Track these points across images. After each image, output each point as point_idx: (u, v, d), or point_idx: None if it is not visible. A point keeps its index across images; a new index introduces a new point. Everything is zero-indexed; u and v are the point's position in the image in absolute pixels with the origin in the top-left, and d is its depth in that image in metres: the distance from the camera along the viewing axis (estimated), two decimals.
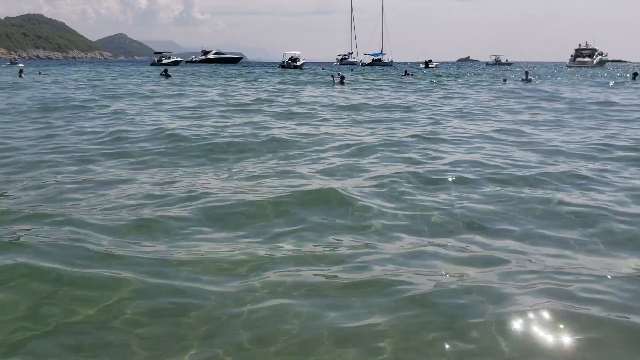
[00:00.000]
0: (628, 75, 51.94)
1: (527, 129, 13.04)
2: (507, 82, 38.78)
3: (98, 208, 5.93)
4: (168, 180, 7.50)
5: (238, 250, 4.70)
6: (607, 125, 13.88)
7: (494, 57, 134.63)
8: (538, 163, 8.70)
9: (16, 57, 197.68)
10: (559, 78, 48.80)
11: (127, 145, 10.41)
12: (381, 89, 30.34)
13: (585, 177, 7.63)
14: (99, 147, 10.17)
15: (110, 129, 12.25)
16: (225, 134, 11.73)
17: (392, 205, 6.15)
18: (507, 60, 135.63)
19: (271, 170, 8.09)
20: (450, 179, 7.40)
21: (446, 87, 33.72)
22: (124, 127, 12.69)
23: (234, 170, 8.28)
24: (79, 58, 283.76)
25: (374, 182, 7.18)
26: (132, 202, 6.20)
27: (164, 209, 5.87)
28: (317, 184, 7.10)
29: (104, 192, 6.67)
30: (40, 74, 48.52)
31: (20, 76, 41.30)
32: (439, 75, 55.69)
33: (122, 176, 7.67)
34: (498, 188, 6.97)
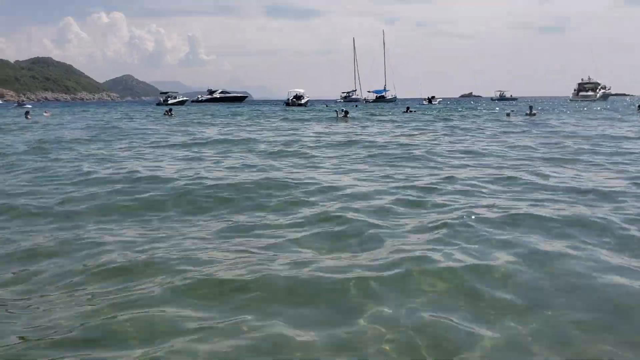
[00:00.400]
0: (633, 107, 51.84)
1: (546, 169, 11.54)
2: (510, 115, 38.71)
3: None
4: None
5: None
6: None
7: (499, 93, 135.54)
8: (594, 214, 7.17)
9: (24, 99, 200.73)
10: (568, 112, 48.74)
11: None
12: (383, 124, 30.22)
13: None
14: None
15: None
16: (207, 178, 10.46)
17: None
18: (511, 95, 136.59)
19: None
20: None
21: (451, 122, 33.50)
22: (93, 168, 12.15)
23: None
24: (87, 99, 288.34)
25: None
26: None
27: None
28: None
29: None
30: (45, 113, 50.17)
31: (27, 117, 41.65)
32: (440, 110, 55.80)
33: None
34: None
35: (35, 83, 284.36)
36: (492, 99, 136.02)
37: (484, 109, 60.93)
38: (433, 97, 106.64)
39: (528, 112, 38.63)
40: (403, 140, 20.07)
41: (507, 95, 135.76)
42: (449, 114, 46.75)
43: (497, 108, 61.91)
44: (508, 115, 39.14)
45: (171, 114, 45.29)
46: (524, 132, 23.84)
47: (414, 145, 17.72)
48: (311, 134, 23.24)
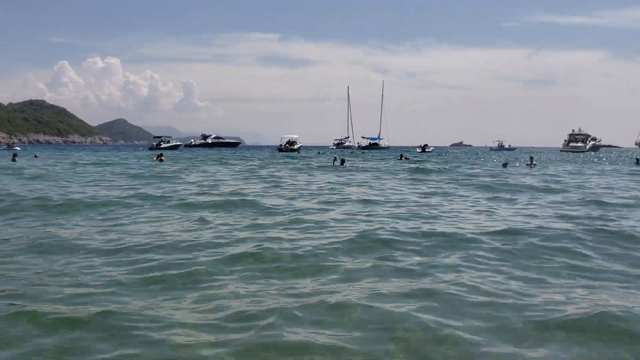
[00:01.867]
0: (629, 159, 51.43)
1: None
2: (507, 166, 37.95)
3: None
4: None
5: None
6: None
7: (498, 143, 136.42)
8: None
9: (15, 141, 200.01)
10: (565, 164, 48.17)
11: None
12: (383, 177, 29.15)
13: None
14: None
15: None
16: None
17: None
18: (510, 145, 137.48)
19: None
20: None
21: (460, 176, 32.39)
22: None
23: None
24: (79, 142, 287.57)
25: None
26: None
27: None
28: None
29: None
30: (36, 157, 51.51)
31: (14, 160, 40.60)
32: (442, 164, 55.08)
33: None
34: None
35: (27, 125, 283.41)
36: (490, 149, 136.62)
37: (489, 160, 60.35)
38: (426, 146, 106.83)
39: (529, 162, 37.94)
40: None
41: (506, 145, 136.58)
42: (454, 165, 44.04)
43: (495, 159, 60.80)
44: (505, 165, 38.29)
45: (162, 159, 42.28)
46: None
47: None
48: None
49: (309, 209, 13.09)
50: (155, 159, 44.07)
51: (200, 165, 37.01)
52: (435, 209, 13.20)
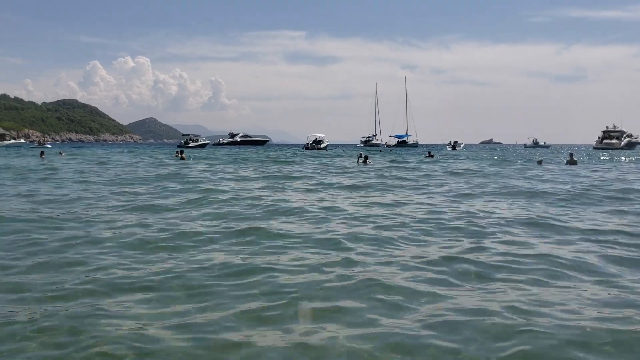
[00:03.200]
0: None
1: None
2: (542, 163, 36.31)
3: None
4: None
5: None
6: None
7: (533, 140, 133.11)
8: None
9: (49, 139, 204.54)
10: (611, 160, 45.95)
11: None
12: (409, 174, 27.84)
13: None
14: None
15: None
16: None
17: None
18: (544, 142, 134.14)
19: None
20: None
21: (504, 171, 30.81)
22: None
23: None
24: (109, 141, 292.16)
25: None
26: None
27: None
28: None
29: None
30: (60, 154, 51.67)
31: (41, 157, 41.04)
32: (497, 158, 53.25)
33: None
34: None
35: (60, 124, 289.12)
36: (525, 146, 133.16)
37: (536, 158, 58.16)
38: (456, 143, 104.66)
39: (568, 159, 36.01)
40: None
41: (541, 142, 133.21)
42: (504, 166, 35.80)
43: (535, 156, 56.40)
44: (540, 163, 36.56)
45: (182, 156, 41.08)
46: None
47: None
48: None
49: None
50: (176, 155, 43.78)
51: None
52: None
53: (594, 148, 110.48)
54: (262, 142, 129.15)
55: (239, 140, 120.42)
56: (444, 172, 26.80)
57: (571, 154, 37.33)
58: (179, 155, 41.99)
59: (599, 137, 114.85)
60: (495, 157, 41.47)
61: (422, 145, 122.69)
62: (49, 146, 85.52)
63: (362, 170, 28.21)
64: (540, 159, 41.10)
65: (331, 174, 25.11)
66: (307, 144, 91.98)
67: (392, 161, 40.88)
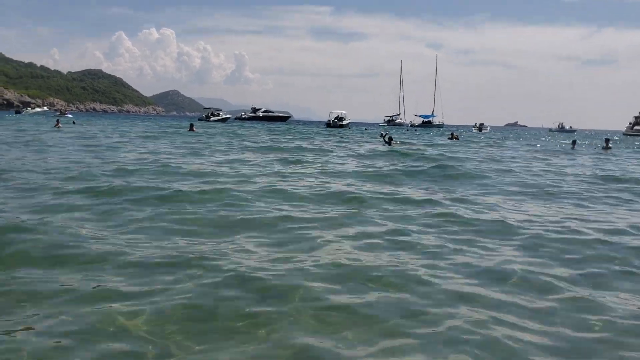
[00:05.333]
0: None
1: None
2: (575, 145, 34.60)
3: None
4: None
5: None
6: None
7: (559, 124, 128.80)
8: None
9: (69, 108, 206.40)
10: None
11: None
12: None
13: None
14: None
15: None
16: None
17: None
18: (570, 126, 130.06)
19: None
20: None
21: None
22: None
23: None
24: (133, 112, 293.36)
25: None
26: None
27: None
28: None
29: None
30: (74, 123, 54.02)
31: (56, 126, 40.61)
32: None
33: None
34: None
35: (85, 94, 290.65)
36: (550, 130, 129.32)
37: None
38: (482, 125, 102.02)
39: (604, 144, 34.17)
40: None
41: (567, 126, 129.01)
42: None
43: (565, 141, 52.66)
44: (574, 144, 34.81)
45: (193, 129, 43.28)
46: None
47: None
48: None
49: None
50: (188, 130, 44.00)
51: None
52: None
53: (624, 134, 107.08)
54: (284, 118, 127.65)
55: (261, 115, 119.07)
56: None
57: (607, 140, 35.48)
58: (191, 129, 43.71)
59: (630, 123, 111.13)
60: (539, 146, 38.64)
61: (447, 126, 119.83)
62: (70, 116, 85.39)
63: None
64: (574, 138, 39.49)
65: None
66: (329, 120, 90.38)
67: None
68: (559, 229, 7.97)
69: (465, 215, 8.70)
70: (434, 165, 17.44)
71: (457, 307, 4.53)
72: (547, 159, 24.12)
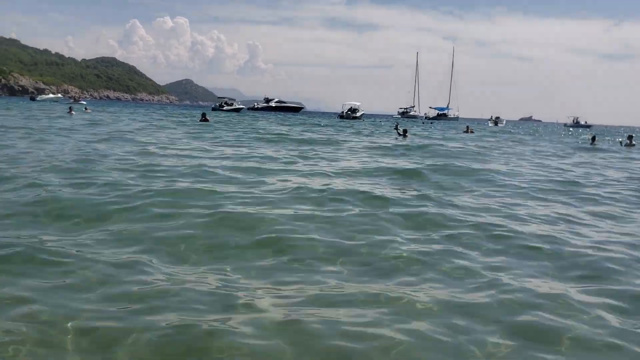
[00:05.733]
0: None
1: None
2: (595, 141, 33.36)
3: None
4: None
5: None
6: None
7: (573, 119, 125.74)
8: None
9: (85, 96, 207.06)
10: None
11: None
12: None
13: None
14: None
15: None
16: None
17: None
18: (586, 121, 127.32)
19: None
20: None
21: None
22: None
23: None
24: (146, 100, 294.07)
25: None
26: None
27: None
28: None
29: None
30: (86, 110, 55.08)
31: (69, 112, 40.54)
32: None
33: None
34: None
35: (99, 82, 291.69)
36: (565, 125, 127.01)
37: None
38: (498, 118, 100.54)
39: (628, 141, 33.14)
40: None
41: (582, 121, 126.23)
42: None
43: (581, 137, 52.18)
44: (594, 140, 33.63)
45: (206, 119, 40.80)
46: None
47: None
48: None
49: None
50: (201, 120, 41.58)
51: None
52: None
53: None
54: (297, 109, 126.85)
55: (273, 105, 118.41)
56: None
57: (630, 137, 34.42)
58: (204, 119, 41.29)
59: None
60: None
61: (462, 119, 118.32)
62: (84, 102, 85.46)
63: None
64: (593, 134, 38.29)
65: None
66: (342, 112, 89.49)
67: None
68: None
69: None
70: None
71: None
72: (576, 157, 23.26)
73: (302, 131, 34.62)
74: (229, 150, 17.50)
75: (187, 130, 28.68)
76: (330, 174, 12.29)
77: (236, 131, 29.80)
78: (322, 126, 46.26)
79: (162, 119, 43.32)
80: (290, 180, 10.84)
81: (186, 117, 52.43)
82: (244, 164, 13.58)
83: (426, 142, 27.82)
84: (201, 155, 15.13)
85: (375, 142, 26.14)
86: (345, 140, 26.39)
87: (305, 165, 14.33)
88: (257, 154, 16.51)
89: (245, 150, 17.92)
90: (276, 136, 26.39)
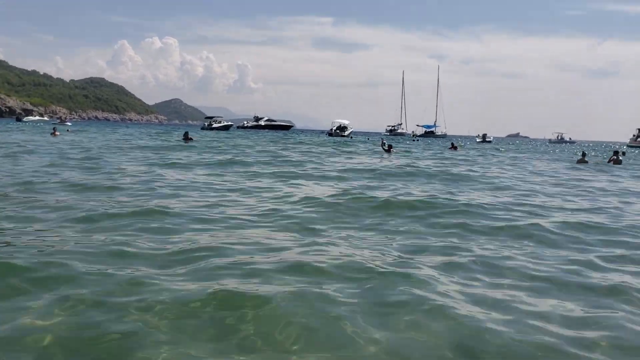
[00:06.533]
0: None
1: None
2: (586, 157, 33.18)
3: None
4: None
5: None
6: None
7: (558, 135, 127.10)
8: None
9: (69, 116, 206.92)
10: None
11: None
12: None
13: None
14: None
15: None
16: None
17: None
18: (570, 138, 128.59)
19: None
20: None
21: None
22: None
23: None
24: (135, 120, 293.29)
25: None
26: None
27: None
28: None
29: None
30: (68, 131, 55.13)
31: (53, 134, 39.95)
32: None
33: None
34: None
35: (87, 102, 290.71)
36: (549, 141, 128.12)
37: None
38: (485, 135, 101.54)
39: (614, 157, 33.03)
40: None
41: (566, 138, 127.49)
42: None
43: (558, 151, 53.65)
44: (583, 155, 33.47)
45: (189, 139, 39.08)
46: None
47: None
48: None
49: None
50: (183, 138, 39.93)
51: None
52: None
53: (628, 146, 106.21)
54: (286, 127, 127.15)
55: (263, 124, 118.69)
56: None
57: (616, 152, 34.27)
58: (186, 138, 39.40)
59: (633, 135, 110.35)
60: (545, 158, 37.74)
61: (450, 136, 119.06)
62: (69, 124, 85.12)
63: None
64: (584, 151, 38.11)
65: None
66: (331, 130, 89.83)
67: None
68: None
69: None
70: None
71: None
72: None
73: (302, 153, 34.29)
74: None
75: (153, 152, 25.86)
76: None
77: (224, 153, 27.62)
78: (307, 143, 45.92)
79: (141, 138, 42.71)
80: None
81: (161, 136, 51.23)
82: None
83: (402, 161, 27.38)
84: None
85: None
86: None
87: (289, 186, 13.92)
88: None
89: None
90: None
